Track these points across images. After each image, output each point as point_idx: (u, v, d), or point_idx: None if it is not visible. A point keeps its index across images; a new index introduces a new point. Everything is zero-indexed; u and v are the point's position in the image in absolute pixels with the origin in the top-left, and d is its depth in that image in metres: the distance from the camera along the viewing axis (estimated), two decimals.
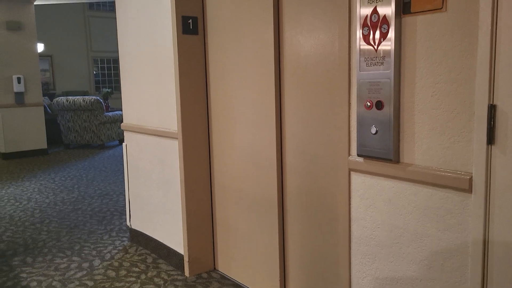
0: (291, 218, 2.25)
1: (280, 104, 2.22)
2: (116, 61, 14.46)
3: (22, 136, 7.58)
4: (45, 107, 8.76)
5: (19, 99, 7.48)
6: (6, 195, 5.03)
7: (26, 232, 3.75)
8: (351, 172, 1.70)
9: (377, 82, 1.51)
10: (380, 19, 1.47)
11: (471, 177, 1.33)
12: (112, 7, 14.00)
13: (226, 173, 2.64)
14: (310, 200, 2.12)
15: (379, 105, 1.52)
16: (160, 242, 3.08)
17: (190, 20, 2.57)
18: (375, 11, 1.49)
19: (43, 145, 7.81)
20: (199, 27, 2.62)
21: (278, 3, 2.14)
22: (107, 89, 10.32)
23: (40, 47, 8.12)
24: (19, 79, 7.41)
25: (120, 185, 5.38)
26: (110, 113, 8.64)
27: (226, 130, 2.59)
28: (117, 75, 14.62)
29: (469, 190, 1.34)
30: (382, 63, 1.49)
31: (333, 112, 1.92)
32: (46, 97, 10.45)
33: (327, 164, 2.00)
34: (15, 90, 7.40)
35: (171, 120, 2.77)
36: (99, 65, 14.34)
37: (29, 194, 5.07)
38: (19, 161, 7.22)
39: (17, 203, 4.67)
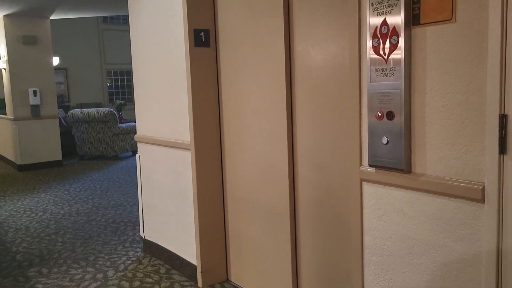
0: (303, 229, 2.25)
1: (291, 115, 2.23)
2: (129, 73, 14.65)
3: (38, 148, 7.70)
4: (60, 119, 8.90)
5: (35, 111, 7.61)
6: (22, 206, 5.10)
7: (41, 243, 3.80)
8: (363, 182, 1.70)
9: (387, 92, 1.52)
10: (390, 30, 1.49)
11: (484, 187, 1.32)
12: (125, 20, 14.23)
13: (238, 184, 2.65)
14: (322, 211, 2.12)
15: (390, 115, 1.52)
16: (173, 252, 3.10)
17: (202, 33, 2.62)
18: (384, 23, 1.50)
19: (58, 156, 7.92)
20: (211, 40, 2.66)
21: (289, 16, 2.17)
22: (120, 101, 10.46)
23: (56, 61, 8.27)
24: (35, 92, 7.55)
25: (134, 196, 5.43)
26: (124, 125, 8.74)
27: (238, 141, 2.61)
28: (130, 86, 14.80)
29: (482, 200, 1.33)
30: (392, 74, 1.50)
31: (344, 122, 1.93)
32: (61, 109, 10.62)
33: (338, 175, 2.00)
34: (31, 103, 7.54)
35: (183, 131, 2.81)
36: (113, 77, 14.55)
37: (44, 205, 5.14)
38: (34, 173, 7.33)
39: (33, 214, 4.74)
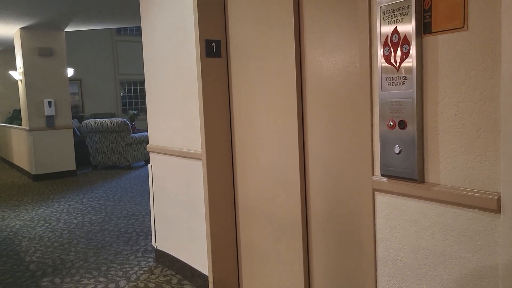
0: (315, 239, 2.23)
1: (302, 125, 2.22)
2: (142, 83, 14.80)
3: (52, 158, 7.80)
4: (74, 130, 9.01)
5: (50, 122, 7.72)
6: (37, 216, 5.16)
7: (55, 253, 3.83)
8: (375, 192, 1.68)
9: (399, 101, 1.51)
10: (401, 39, 1.48)
11: (499, 197, 1.29)
12: (138, 32, 14.42)
13: (250, 194, 2.64)
14: (334, 221, 2.10)
15: (402, 124, 1.51)
16: (185, 263, 3.09)
17: (214, 44, 2.63)
18: (395, 32, 1.49)
19: (72, 166, 8.00)
20: (222, 50, 2.68)
21: (299, 26, 2.17)
22: (133, 111, 10.56)
23: (70, 72, 8.39)
24: (50, 103, 7.66)
25: (146, 206, 5.45)
26: (136, 135, 8.81)
27: (249, 151, 2.61)
28: (143, 97, 14.94)
29: (498, 210, 1.30)
30: (404, 83, 1.49)
31: (356, 132, 1.91)
32: (75, 120, 10.76)
33: (350, 184, 1.98)
34: (46, 113, 7.65)
35: (195, 141, 2.82)
36: (126, 88, 14.71)
37: (58, 215, 5.18)
38: (49, 183, 7.41)
39: (47, 224, 4.78)
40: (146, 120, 3.55)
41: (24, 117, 7.92)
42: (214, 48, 2.64)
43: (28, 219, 5.03)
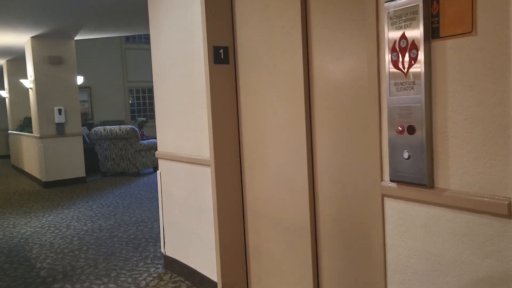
0: (324, 245, 2.22)
1: (310, 130, 2.22)
2: (150, 90, 14.91)
3: (62, 165, 7.86)
4: (84, 137, 9.08)
5: (60, 129, 7.79)
6: (47, 223, 5.19)
7: (65, 259, 3.85)
8: (384, 198, 1.67)
9: (408, 106, 1.50)
10: (409, 44, 1.48)
11: (510, 202, 1.28)
12: (147, 39, 14.53)
13: (258, 200, 2.64)
14: (343, 226, 2.09)
15: (411, 129, 1.50)
16: (194, 269, 3.10)
17: (221, 50, 2.65)
18: (403, 37, 1.49)
19: (82, 173, 8.06)
20: (230, 57, 2.69)
21: (307, 32, 2.18)
22: (142, 118, 10.63)
23: (80, 80, 8.47)
24: (60, 111, 7.74)
25: (155, 212, 5.46)
26: (145, 141, 8.86)
27: (257, 157, 2.61)
28: (151, 104, 15.03)
29: (509, 215, 1.29)
30: (412, 88, 1.48)
31: (364, 137, 1.91)
32: (85, 127, 10.84)
33: (359, 190, 1.98)
34: (56, 121, 7.73)
35: (203, 147, 2.83)
36: (134, 95, 14.82)
37: (68, 221, 5.22)
38: (59, 189, 7.47)
39: (57, 231, 4.81)
40: (155, 127, 3.57)
41: (34, 124, 8.00)
42: (222, 55, 2.65)
43: (39, 225, 5.07)
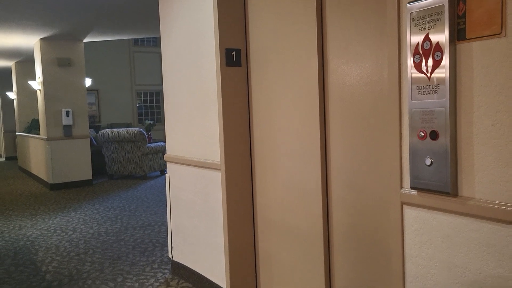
0: (337, 253, 2.16)
1: (325, 135, 2.17)
2: (158, 93, 14.92)
3: (69, 168, 7.84)
4: (91, 139, 9.07)
5: (67, 131, 7.78)
6: (53, 225, 5.16)
7: (71, 263, 3.80)
8: (404, 206, 1.61)
9: (431, 111, 1.44)
10: (433, 46, 1.42)
11: None
12: (155, 42, 14.56)
13: (269, 205, 2.58)
14: (358, 235, 2.02)
15: (434, 135, 1.44)
16: (202, 275, 3.04)
17: (234, 52, 2.60)
18: (427, 38, 1.43)
19: (89, 176, 8.04)
20: (242, 59, 2.64)
21: (322, 33, 2.12)
22: (149, 121, 10.61)
23: (88, 82, 8.47)
24: (67, 113, 7.73)
25: (162, 216, 5.41)
26: (152, 145, 8.83)
27: (269, 162, 2.56)
28: (159, 107, 15.05)
29: None
30: (436, 92, 1.42)
31: (383, 142, 1.85)
32: (92, 129, 10.85)
33: (376, 197, 1.91)
34: (64, 123, 7.72)
35: (214, 151, 2.77)
36: (142, 98, 14.83)
37: (74, 224, 5.18)
38: (65, 192, 7.45)
39: (63, 234, 4.78)
40: (162, 130, 3.53)
41: (42, 126, 8.00)
42: (234, 57, 2.60)
43: (45, 228, 5.04)
